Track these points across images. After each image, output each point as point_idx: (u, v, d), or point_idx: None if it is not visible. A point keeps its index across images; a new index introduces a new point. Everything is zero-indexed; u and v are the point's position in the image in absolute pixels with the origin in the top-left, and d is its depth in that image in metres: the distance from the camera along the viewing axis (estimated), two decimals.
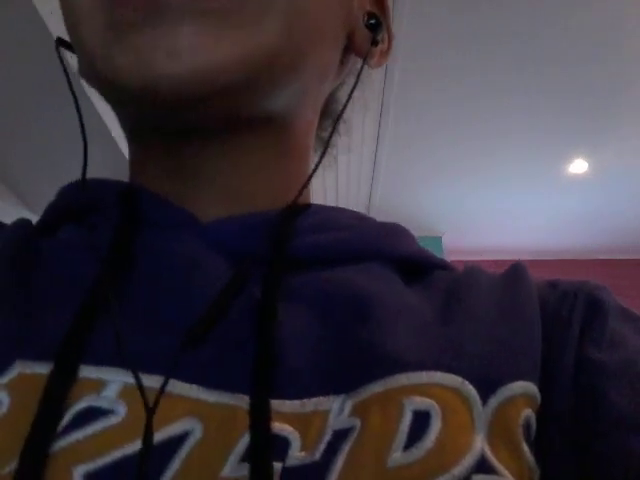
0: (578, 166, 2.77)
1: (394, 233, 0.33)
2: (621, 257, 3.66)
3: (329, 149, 0.32)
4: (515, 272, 0.29)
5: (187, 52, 0.23)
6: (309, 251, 0.28)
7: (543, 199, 3.07)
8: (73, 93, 0.29)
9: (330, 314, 0.25)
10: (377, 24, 0.33)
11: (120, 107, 0.28)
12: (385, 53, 0.36)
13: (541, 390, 0.23)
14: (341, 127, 0.43)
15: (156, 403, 0.19)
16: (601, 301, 0.27)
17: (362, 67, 0.32)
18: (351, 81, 0.37)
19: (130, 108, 0.26)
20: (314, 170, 0.30)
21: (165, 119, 0.26)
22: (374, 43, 0.33)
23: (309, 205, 0.31)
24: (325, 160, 0.30)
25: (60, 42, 0.30)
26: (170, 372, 0.20)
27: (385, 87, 2.15)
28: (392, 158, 2.69)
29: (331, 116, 0.40)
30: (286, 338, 0.23)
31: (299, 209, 0.30)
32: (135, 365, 0.21)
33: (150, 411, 0.19)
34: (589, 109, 2.35)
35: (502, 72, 2.13)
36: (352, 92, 0.32)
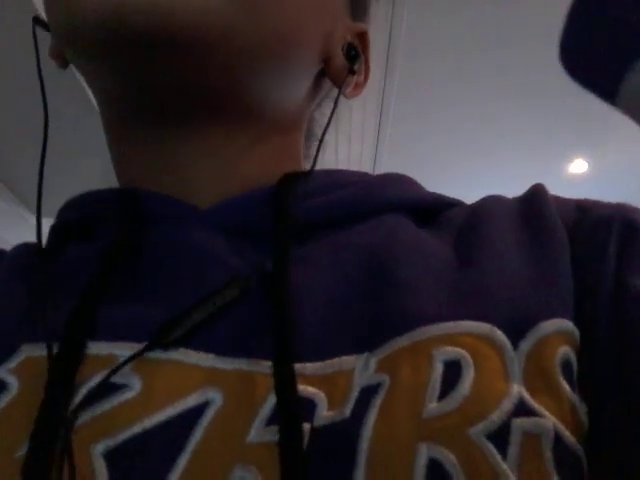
0: (578, 166, 2.76)
1: (399, 181, 0.32)
2: None
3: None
4: (534, 197, 0.28)
5: None
6: (315, 213, 0.28)
7: None
8: (40, 75, 0.30)
9: (345, 274, 0.25)
10: (355, 55, 0.34)
11: (97, 64, 0.27)
12: (360, 85, 0.37)
13: (580, 325, 0.22)
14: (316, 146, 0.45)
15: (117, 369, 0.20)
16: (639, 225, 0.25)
17: (339, 93, 0.33)
18: (327, 104, 0.38)
19: (105, 58, 0.26)
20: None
21: (135, 68, 0.26)
22: (351, 72, 0.34)
23: (305, 173, 0.30)
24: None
25: (36, 21, 0.30)
26: (153, 340, 0.21)
27: (385, 87, 2.15)
28: (392, 158, 2.69)
29: (309, 136, 0.40)
30: (302, 302, 0.23)
31: (297, 175, 0.30)
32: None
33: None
34: (589, 109, 2.35)
35: (502, 72, 2.13)
36: (331, 116, 0.33)
